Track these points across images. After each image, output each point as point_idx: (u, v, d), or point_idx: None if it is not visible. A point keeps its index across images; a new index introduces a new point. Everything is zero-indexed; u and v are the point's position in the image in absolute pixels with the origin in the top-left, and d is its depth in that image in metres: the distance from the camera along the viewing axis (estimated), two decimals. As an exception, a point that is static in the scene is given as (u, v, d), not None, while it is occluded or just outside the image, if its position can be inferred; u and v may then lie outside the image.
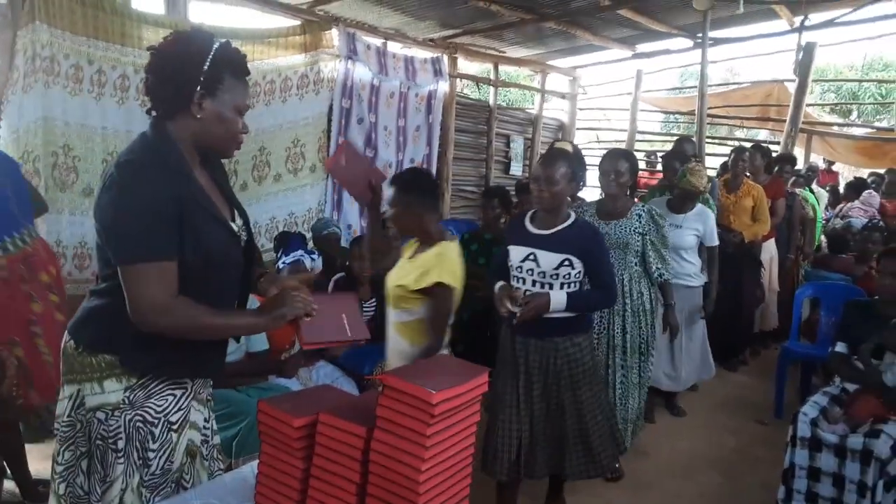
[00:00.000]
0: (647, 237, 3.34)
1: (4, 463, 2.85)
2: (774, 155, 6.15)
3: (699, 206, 4.16)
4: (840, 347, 3.22)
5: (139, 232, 1.52)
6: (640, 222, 3.34)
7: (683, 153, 5.18)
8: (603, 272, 2.77)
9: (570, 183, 2.69)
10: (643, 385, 3.46)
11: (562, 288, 2.70)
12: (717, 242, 4.17)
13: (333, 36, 5.50)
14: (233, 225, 1.74)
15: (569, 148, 2.83)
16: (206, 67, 1.57)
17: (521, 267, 2.77)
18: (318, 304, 1.74)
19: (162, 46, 1.62)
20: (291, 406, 1.48)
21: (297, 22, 5.33)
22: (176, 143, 1.62)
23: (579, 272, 2.72)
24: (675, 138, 6.80)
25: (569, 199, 2.81)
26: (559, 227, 2.73)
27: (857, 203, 7.32)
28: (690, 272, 4.13)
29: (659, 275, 3.40)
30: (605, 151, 3.77)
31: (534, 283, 2.73)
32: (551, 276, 2.70)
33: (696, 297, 4.19)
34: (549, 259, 2.69)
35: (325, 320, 1.78)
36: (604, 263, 2.79)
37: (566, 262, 2.68)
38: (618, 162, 3.39)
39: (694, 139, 6.16)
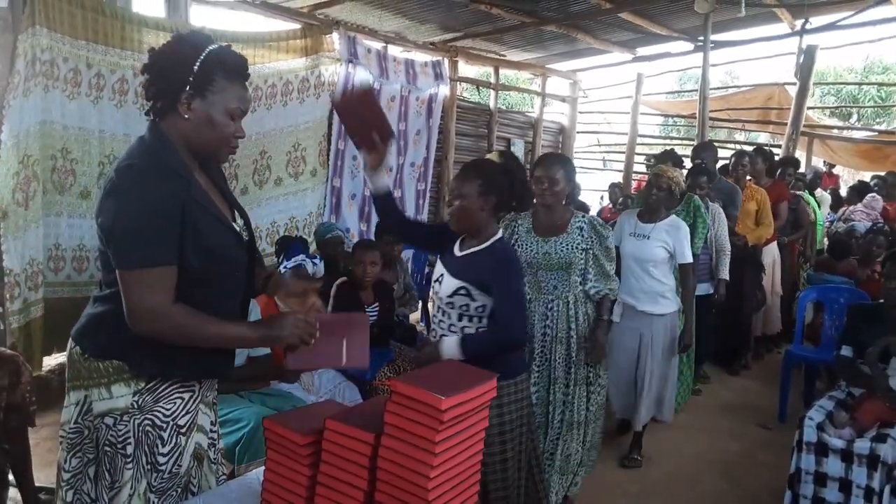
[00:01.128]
0: (591, 251, 2.95)
1: (10, 471, 2.83)
2: (777, 158, 6.15)
3: (672, 216, 3.68)
4: (846, 351, 3.20)
5: (138, 237, 1.50)
6: (583, 236, 2.94)
7: (673, 156, 5.18)
8: (502, 307, 2.22)
9: (480, 197, 2.27)
10: (591, 421, 3.04)
11: (460, 320, 2.30)
12: (689, 260, 3.64)
13: (334, 40, 5.50)
14: (234, 225, 1.72)
15: (496, 158, 2.78)
16: (195, 68, 1.56)
17: (432, 288, 2.43)
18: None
19: (161, 47, 1.62)
20: (297, 423, 1.47)
21: (298, 26, 5.34)
22: (173, 145, 1.60)
23: (481, 305, 2.26)
24: (674, 142, 6.80)
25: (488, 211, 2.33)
26: (472, 250, 2.31)
27: (859, 206, 7.30)
28: (659, 292, 3.59)
29: (596, 291, 2.97)
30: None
31: (437, 308, 2.40)
32: (447, 304, 2.31)
33: (667, 326, 3.65)
34: (447, 284, 2.31)
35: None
36: (504, 298, 2.22)
37: (461, 291, 2.26)
38: (552, 168, 2.95)
39: (713, 144, 6.09)
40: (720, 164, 5.74)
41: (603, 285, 2.97)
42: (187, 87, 1.56)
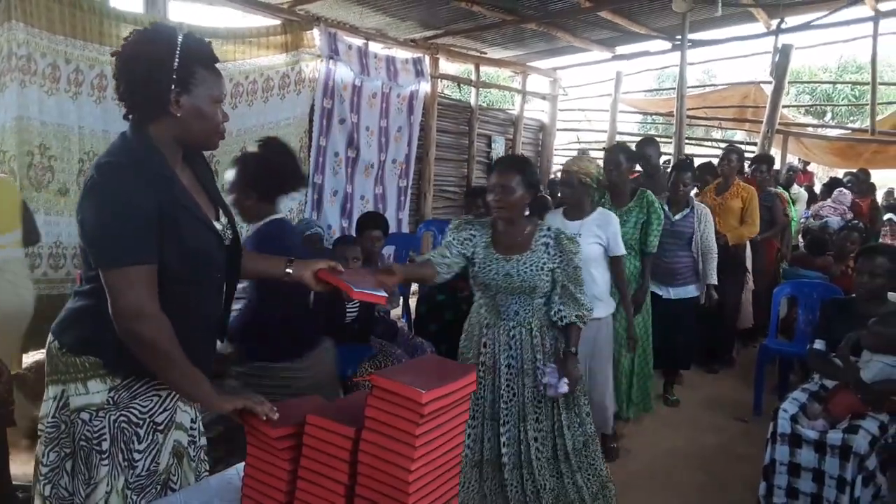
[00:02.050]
0: (559, 272, 2.60)
1: None
2: (749, 156, 6.20)
3: (599, 209, 3.41)
4: (818, 345, 3.26)
5: (120, 236, 1.50)
6: (549, 254, 2.60)
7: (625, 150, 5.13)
8: None
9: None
10: (579, 451, 2.71)
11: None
12: (622, 251, 3.37)
13: (314, 36, 5.49)
14: (217, 224, 1.71)
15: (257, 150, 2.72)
16: (175, 65, 1.53)
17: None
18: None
19: (126, 50, 1.55)
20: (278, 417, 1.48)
21: (278, 22, 5.31)
22: (156, 146, 1.58)
23: None
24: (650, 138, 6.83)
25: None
26: None
27: (828, 202, 7.46)
28: (594, 294, 3.23)
29: (560, 318, 2.61)
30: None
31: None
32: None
33: (605, 331, 3.40)
34: None
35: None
36: None
37: None
38: (506, 174, 2.59)
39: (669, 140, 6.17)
40: (698, 161, 5.78)
41: (569, 311, 2.60)
42: (172, 87, 1.54)
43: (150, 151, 1.57)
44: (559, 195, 3.69)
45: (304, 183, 2.74)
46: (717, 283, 4.42)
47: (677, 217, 4.36)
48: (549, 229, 2.67)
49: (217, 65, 1.65)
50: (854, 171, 8.47)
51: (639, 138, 6.02)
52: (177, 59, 1.54)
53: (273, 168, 2.55)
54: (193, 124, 1.60)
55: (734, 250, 4.99)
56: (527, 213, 2.70)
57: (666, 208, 4.26)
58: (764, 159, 5.92)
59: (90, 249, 1.55)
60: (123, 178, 1.51)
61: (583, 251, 2.95)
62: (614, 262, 3.40)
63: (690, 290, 4.45)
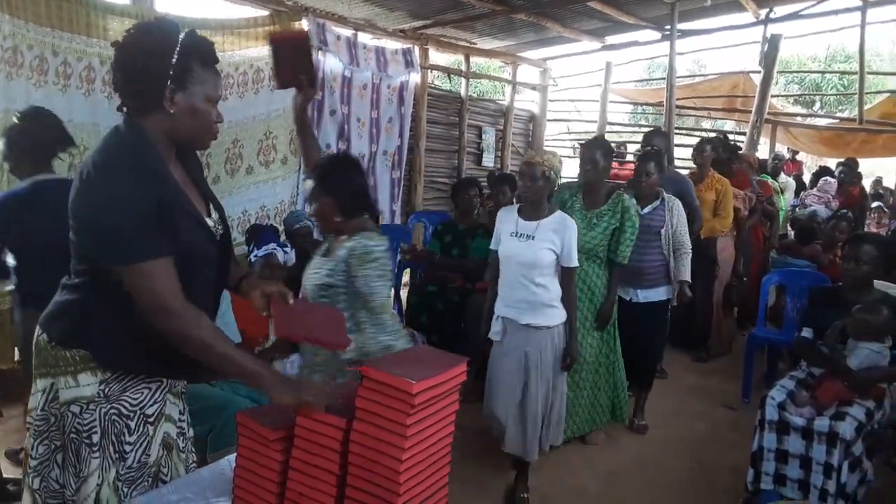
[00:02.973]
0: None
1: None
2: (731, 144, 6.16)
3: (558, 212, 3.13)
4: (806, 332, 3.29)
5: (128, 233, 1.47)
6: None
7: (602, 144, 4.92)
8: None
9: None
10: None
11: None
12: (575, 263, 3.07)
13: (303, 26, 5.45)
14: (208, 220, 1.71)
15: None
16: (174, 61, 1.52)
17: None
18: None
19: (126, 41, 1.55)
20: (270, 419, 1.48)
21: (266, 12, 5.27)
22: (151, 141, 1.57)
23: None
24: (643, 129, 6.85)
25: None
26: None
27: (813, 190, 7.52)
28: (544, 301, 3.04)
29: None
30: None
31: None
32: None
33: (555, 340, 3.09)
34: None
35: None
36: None
37: None
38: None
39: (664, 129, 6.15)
40: (687, 151, 5.73)
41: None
42: (168, 82, 1.53)
43: (144, 146, 1.56)
44: (518, 190, 3.36)
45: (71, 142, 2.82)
46: (689, 280, 3.96)
47: (646, 210, 3.92)
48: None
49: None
50: (844, 161, 8.50)
51: (629, 129, 5.97)
52: (175, 55, 1.53)
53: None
54: (186, 122, 1.59)
55: (706, 243, 4.88)
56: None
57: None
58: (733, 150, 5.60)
59: (95, 249, 1.53)
60: (122, 173, 1.50)
61: (533, 256, 3.01)
62: (565, 275, 3.09)
63: (661, 293, 3.95)
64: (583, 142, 4.17)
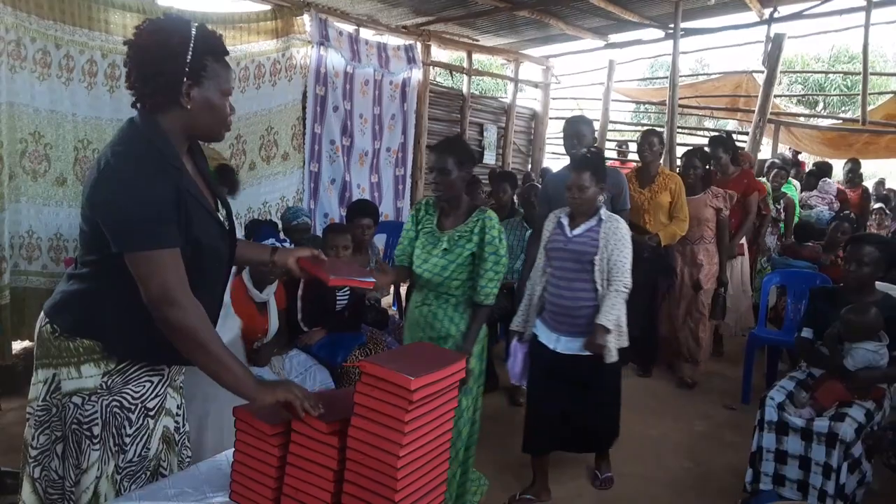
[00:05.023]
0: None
1: None
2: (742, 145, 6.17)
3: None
4: (806, 333, 3.28)
5: (146, 221, 1.49)
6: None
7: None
8: None
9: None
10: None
11: None
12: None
13: (305, 21, 5.45)
14: (219, 215, 1.72)
15: None
16: (189, 57, 1.54)
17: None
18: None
19: (140, 39, 1.56)
20: (267, 415, 1.48)
21: (268, 7, 5.27)
22: (167, 135, 1.59)
23: None
24: (644, 128, 6.83)
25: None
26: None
27: (815, 192, 7.51)
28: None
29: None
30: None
31: None
32: None
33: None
34: None
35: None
36: None
37: None
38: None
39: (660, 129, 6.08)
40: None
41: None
42: (185, 78, 1.54)
43: (162, 141, 1.57)
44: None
45: None
46: (610, 327, 2.87)
47: (576, 231, 3.02)
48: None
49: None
50: (849, 163, 8.48)
51: (631, 127, 5.90)
52: (190, 52, 1.54)
53: None
54: (203, 116, 1.61)
55: (665, 251, 4.42)
56: None
57: (566, 221, 3.08)
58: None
59: (112, 236, 1.53)
60: (143, 163, 1.52)
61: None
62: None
63: (577, 346, 2.97)
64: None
